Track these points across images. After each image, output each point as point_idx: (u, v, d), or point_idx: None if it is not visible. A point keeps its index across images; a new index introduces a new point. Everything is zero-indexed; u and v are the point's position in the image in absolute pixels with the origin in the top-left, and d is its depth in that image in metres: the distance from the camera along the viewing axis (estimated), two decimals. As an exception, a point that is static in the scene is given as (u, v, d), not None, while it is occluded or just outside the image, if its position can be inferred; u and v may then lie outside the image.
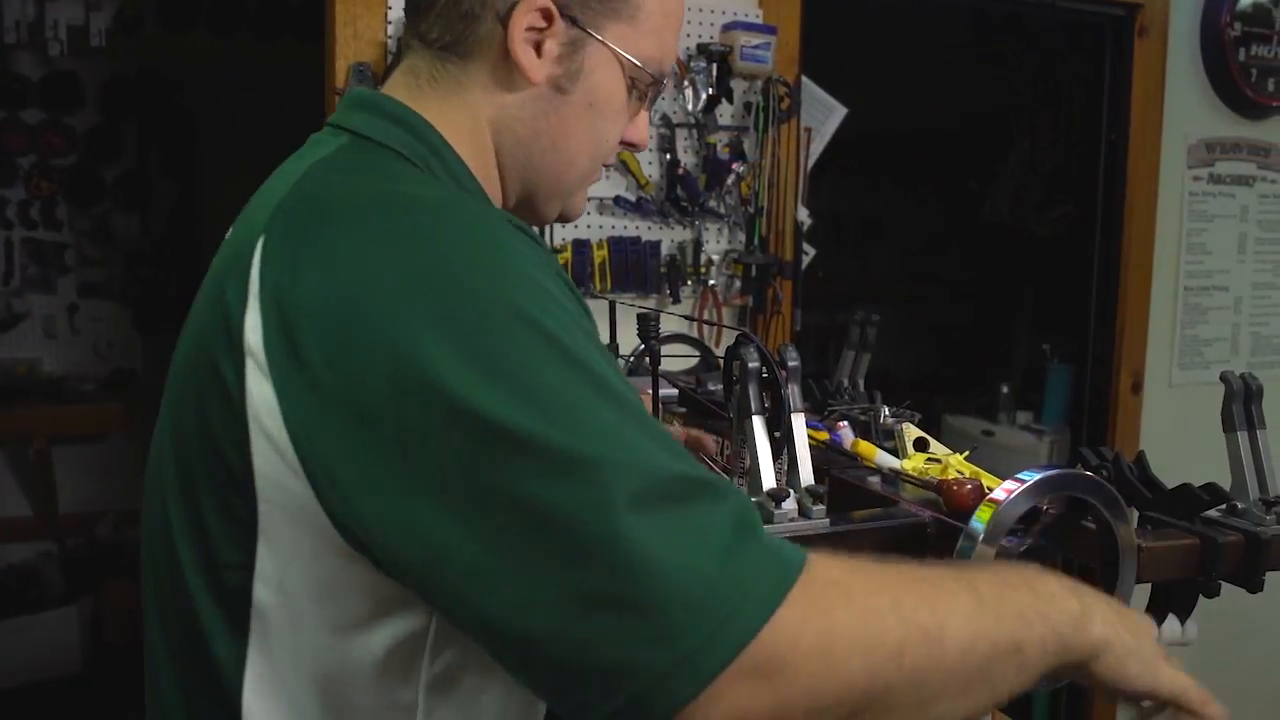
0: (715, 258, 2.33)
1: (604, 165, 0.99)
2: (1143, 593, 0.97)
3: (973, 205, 3.83)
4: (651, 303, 2.29)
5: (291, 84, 3.11)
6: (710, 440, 1.28)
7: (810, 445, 1.03)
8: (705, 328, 2.34)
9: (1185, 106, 2.88)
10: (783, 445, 1.00)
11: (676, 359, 2.30)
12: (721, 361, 1.05)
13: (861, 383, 1.45)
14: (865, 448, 1.14)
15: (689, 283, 2.31)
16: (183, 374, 0.83)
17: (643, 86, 0.94)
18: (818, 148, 2.43)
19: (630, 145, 0.98)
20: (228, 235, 0.89)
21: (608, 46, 0.89)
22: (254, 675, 0.78)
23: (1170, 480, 0.99)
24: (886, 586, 0.68)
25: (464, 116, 0.89)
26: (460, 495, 0.66)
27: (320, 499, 0.70)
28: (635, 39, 0.91)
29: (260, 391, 0.72)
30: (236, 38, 4.18)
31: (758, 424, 0.98)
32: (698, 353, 2.35)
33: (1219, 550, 0.92)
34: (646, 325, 1.17)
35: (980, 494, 0.94)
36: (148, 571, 0.87)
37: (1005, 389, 3.46)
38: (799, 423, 1.00)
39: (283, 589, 0.76)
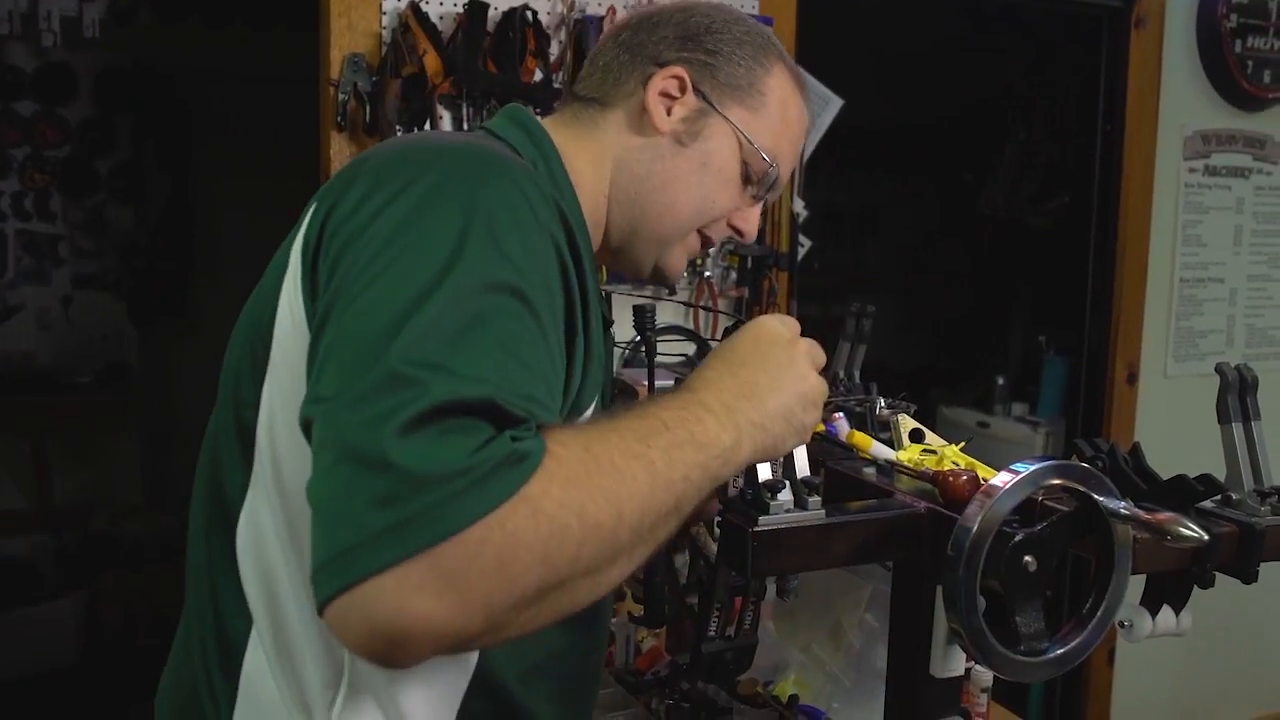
0: (711, 249, 2.32)
1: (708, 244, 1.12)
2: (1138, 584, 0.97)
3: (969, 197, 3.83)
4: (648, 294, 2.28)
5: (286, 75, 3.11)
6: None
7: (806, 436, 1.03)
8: (701, 319, 2.34)
9: (1181, 98, 2.88)
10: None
11: (674, 345, 2.30)
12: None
13: (857, 374, 1.45)
14: (861, 439, 1.14)
15: (685, 274, 2.31)
16: (256, 297, 0.96)
17: (754, 171, 1.08)
18: (814, 139, 2.42)
19: (737, 232, 1.12)
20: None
21: (728, 122, 1.06)
22: (248, 506, 0.90)
23: (1165, 471, 0.99)
24: (578, 487, 0.71)
25: (593, 146, 1.06)
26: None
27: (308, 322, 0.83)
28: (755, 127, 1.07)
29: (292, 269, 0.87)
30: (230, 29, 4.16)
31: (753, 415, 0.97)
32: (694, 344, 2.35)
33: (1214, 541, 0.91)
34: (643, 317, 1.17)
35: (976, 485, 0.94)
36: (205, 444, 0.99)
37: (1001, 380, 3.46)
38: (794, 414, 1.00)
39: (274, 428, 0.88)
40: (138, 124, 4.31)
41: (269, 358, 0.88)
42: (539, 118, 1.07)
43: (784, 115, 1.08)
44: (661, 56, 1.06)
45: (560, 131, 1.05)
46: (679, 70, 1.05)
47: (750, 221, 1.12)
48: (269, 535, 0.89)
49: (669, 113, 1.05)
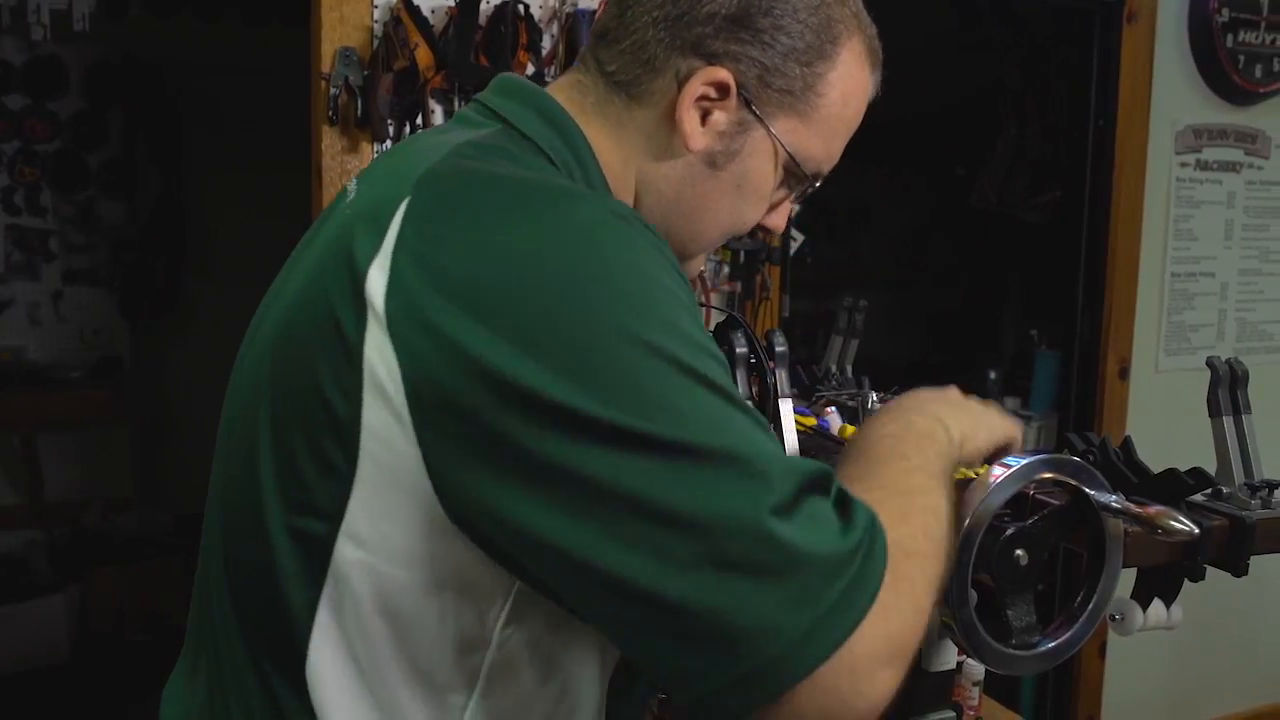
0: (703, 244, 2.32)
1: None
2: (1129, 577, 0.97)
3: (961, 191, 3.83)
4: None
5: (277, 69, 3.10)
6: None
7: (798, 430, 1.03)
8: (693, 314, 2.34)
9: (1173, 93, 2.89)
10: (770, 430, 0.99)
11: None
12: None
13: (850, 368, 1.46)
14: (853, 433, 1.14)
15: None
16: (291, 317, 0.82)
17: (793, 181, 0.94)
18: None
19: (765, 230, 0.99)
20: (352, 189, 0.89)
21: (772, 136, 0.89)
22: (321, 624, 0.78)
23: (1157, 465, 0.99)
24: (909, 522, 0.75)
25: (616, 154, 0.90)
26: (600, 514, 0.67)
27: (429, 469, 0.72)
28: (803, 135, 0.91)
29: (379, 345, 0.72)
30: (222, 22, 4.15)
31: (745, 409, 0.97)
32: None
33: (1205, 535, 0.92)
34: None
35: None
36: (216, 513, 0.88)
37: (993, 375, 3.46)
38: (786, 408, 1.00)
39: (366, 546, 0.76)
40: (128, 118, 4.29)
41: (355, 468, 0.75)
42: (556, 84, 0.93)
43: (843, 111, 0.92)
44: (705, 45, 0.86)
45: (586, 124, 0.89)
46: (724, 75, 0.86)
47: (781, 218, 0.99)
48: (370, 663, 0.79)
49: (705, 120, 0.88)
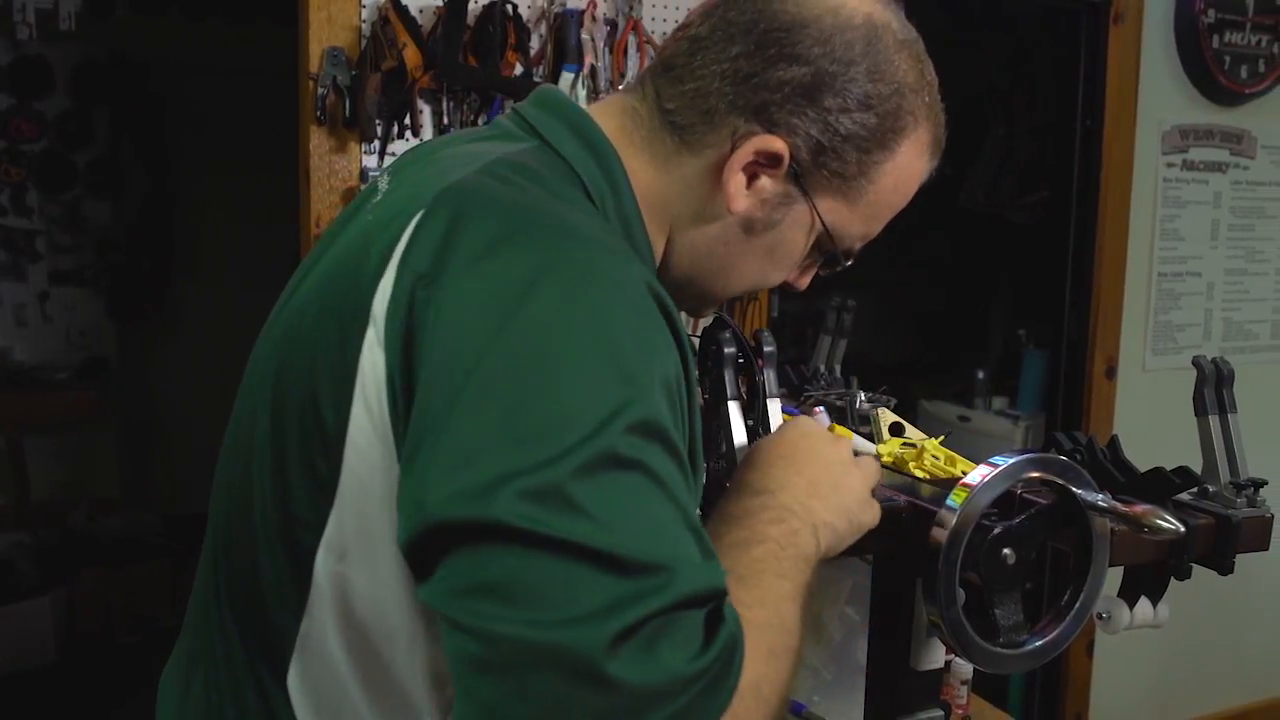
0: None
1: None
2: (1116, 576, 0.98)
3: (949, 191, 3.84)
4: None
5: (264, 68, 3.09)
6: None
7: (786, 431, 1.03)
8: (682, 314, 2.33)
9: (1159, 93, 2.90)
10: (758, 430, 1.00)
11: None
12: (699, 345, 1.05)
13: (838, 368, 1.46)
14: (841, 432, 1.15)
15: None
16: (300, 320, 0.82)
17: (825, 253, 0.93)
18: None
19: (788, 287, 0.97)
20: (382, 187, 0.88)
21: (814, 213, 0.87)
22: (303, 635, 0.78)
23: (1144, 464, 0.99)
24: (774, 662, 0.72)
25: (656, 191, 0.87)
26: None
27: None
28: (846, 217, 0.89)
29: (373, 359, 0.72)
30: (209, 22, 4.14)
31: (733, 409, 0.98)
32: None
33: (1190, 533, 0.92)
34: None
35: None
36: (219, 515, 0.88)
37: (981, 374, 3.47)
38: (775, 408, 1.00)
39: (344, 560, 0.76)
40: (115, 117, 4.27)
41: (338, 481, 0.75)
42: (605, 104, 0.91)
43: (891, 198, 0.91)
44: (768, 111, 0.83)
45: (631, 155, 0.86)
46: (779, 146, 0.83)
47: (806, 279, 0.97)
48: (344, 678, 0.79)
49: (750, 184, 0.85)
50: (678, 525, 0.67)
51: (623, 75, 2.19)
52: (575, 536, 0.62)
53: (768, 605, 0.74)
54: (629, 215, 0.85)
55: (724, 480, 0.97)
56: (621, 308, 0.71)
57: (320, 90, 1.90)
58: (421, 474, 0.66)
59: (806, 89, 0.83)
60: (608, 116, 0.88)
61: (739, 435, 0.97)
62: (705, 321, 2.32)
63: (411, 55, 1.91)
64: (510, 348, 0.67)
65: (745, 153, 0.84)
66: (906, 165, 0.89)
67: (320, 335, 0.77)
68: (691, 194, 0.87)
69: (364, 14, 1.94)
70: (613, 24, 2.17)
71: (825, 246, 0.91)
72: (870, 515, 0.90)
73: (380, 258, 0.74)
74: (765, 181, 0.85)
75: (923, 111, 0.88)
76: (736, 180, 0.85)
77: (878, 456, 1.09)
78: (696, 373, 1.01)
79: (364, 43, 1.93)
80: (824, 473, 0.88)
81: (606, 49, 2.16)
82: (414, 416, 0.69)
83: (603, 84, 2.18)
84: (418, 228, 0.74)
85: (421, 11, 1.96)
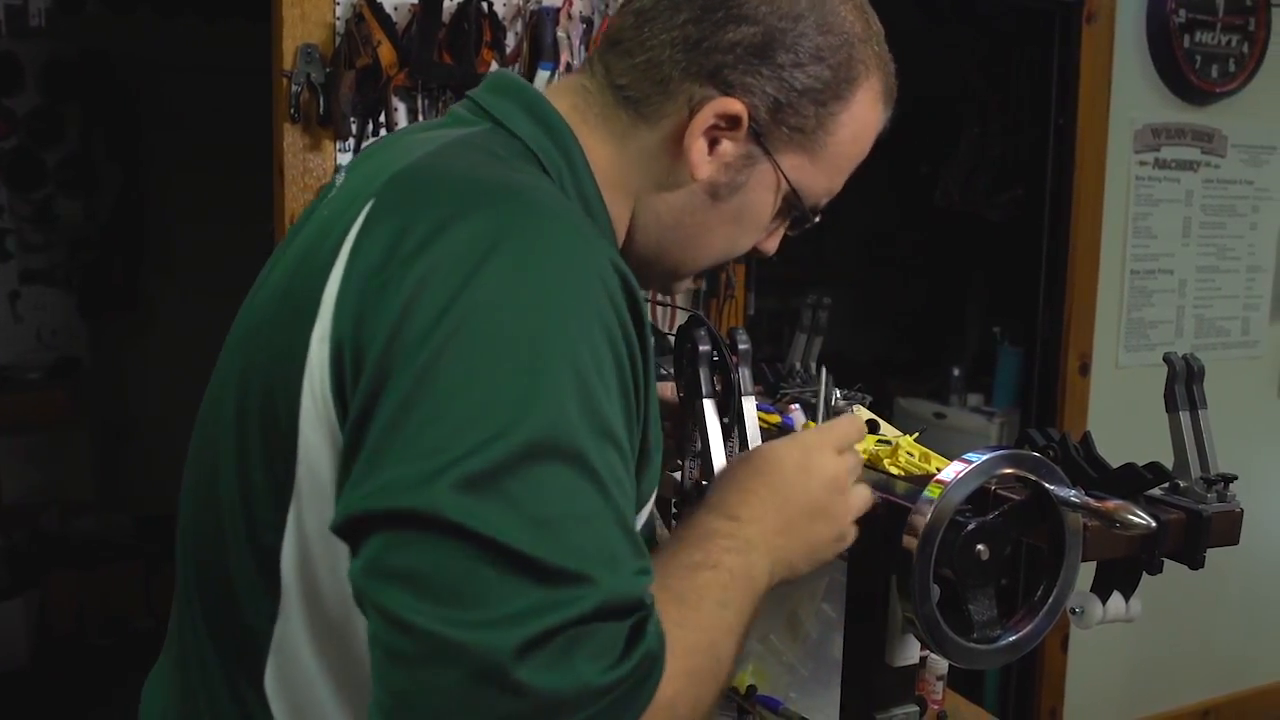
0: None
1: None
2: (1088, 571, 0.99)
3: (925, 189, 3.86)
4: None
5: (238, 65, 3.06)
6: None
7: (762, 428, 1.03)
8: (658, 311, 2.34)
9: (1132, 92, 2.92)
10: (733, 428, 1.00)
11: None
12: (673, 342, 1.05)
13: (814, 365, 1.46)
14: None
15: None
16: (260, 317, 0.81)
17: (792, 212, 0.92)
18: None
19: (756, 251, 0.97)
20: (338, 181, 0.87)
21: (778, 171, 0.87)
22: (278, 635, 0.78)
23: (1117, 460, 1.00)
24: (698, 684, 0.71)
25: (618, 170, 0.87)
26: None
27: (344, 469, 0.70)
28: (809, 172, 0.89)
29: (320, 353, 0.71)
30: (181, 18, 4.10)
31: (708, 406, 0.98)
32: (652, 337, 2.34)
33: (1162, 528, 0.93)
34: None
35: None
36: (187, 518, 0.87)
37: (957, 371, 3.49)
38: (750, 405, 1.00)
39: (309, 557, 0.75)
40: (86, 115, 4.23)
41: (294, 481, 0.74)
42: (557, 86, 0.90)
43: (852, 149, 0.91)
44: (723, 75, 0.83)
45: (587, 133, 0.86)
46: (737, 107, 0.83)
47: (774, 242, 0.96)
48: (320, 678, 0.78)
49: (712, 149, 0.85)
50: (609, 525, 0.66)
51: (598, 73, 2.19)
52: (503, 537, 0.61)
53: (701, 630, 0.73)
54: (587, 192, 0.85)
55: (699, 478, 0.97)
56: (574, 285, 0.70)
57: (294, 88, 1.89)
58: (365, 460, 0.66)
59: (758, 48, 0.83)
60: (560, 97, 0.88)
61: (714, 432, 0.97)
62: (681, 319, 2.32)
63: (386, 52, 1.91)
64: (454, 330, 0.66)
65: (704, 118, 0.83)
66: (863, 115, 0.90)
67: (278, 334, 0.76)
68: (653, 166, 0.86)
69: (338, 11, 1.93)
70: (589, 21, 2.16)
71: (792, 204, 0.91)
72: (835, 550, 0.89)
73: (331, 250, 0.74)
74: (727, 145, 0.85)
75: (873, 61, 0.89)
76: (698, 147, 0.84)
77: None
78: (674, 366, 1.01)
79: (338, 40, 1.92)
80: (802, 513, 0.86)
81: (582, 46, 2.15)
82: (355, 399, 0.68)
83: (578, 82, 2.18)
84: (367, 218, 0.74)
85: (396, 8, 1.95)
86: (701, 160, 0.85)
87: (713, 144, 0.85)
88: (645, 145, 0.86)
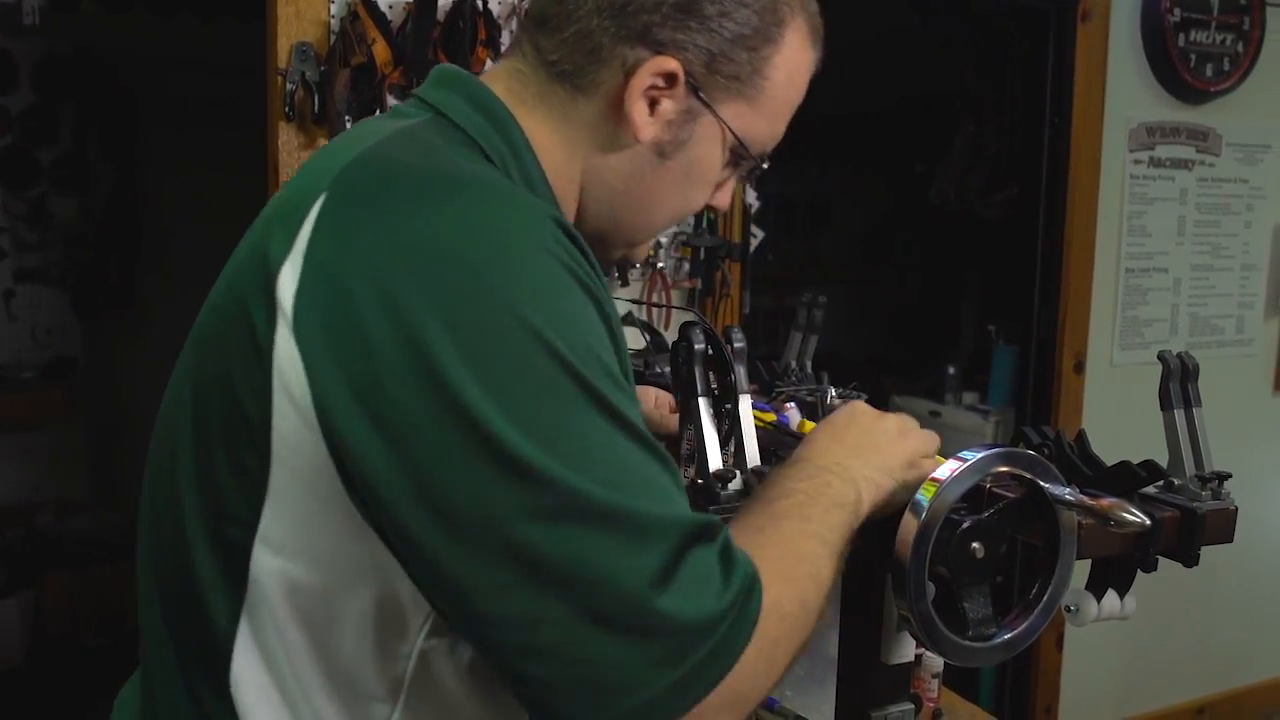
0: (664, 240, 2.33)
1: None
2: (1083, 568, 0.99)
3: (920, 188, 3.86)
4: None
5: (233, 64, 3.06)
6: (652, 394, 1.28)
7: (757, 426, 1.03)
8: (654, 311, 2.34)
9: (1126, 91, 2.93)
10: (729, 426, 1.00)
11: (627, 339, 2.30)
12: (673, 343, 1.05)
13: (809, 364, 1.46)
14: (812, 428, 1.15)
15: (637, 265, 2.31)
16: (212, 316, 0.82)
17: (740, 162, 0.94)
18: (766, 130, 2.43)
19: (711, 209, 0.99)
20: (284, 185, 0.88)
21: (721, 122, 0.88)
22: (243, 633, 0.78)
23: (1112, 458, 1.00)
24: (794, 584, 0.79)
25: (562, 146, 0.88)
26: (476, 528, 0.68)
27: (338, 469, 0.71)
28: (750, 119, 0.90)
29: (287, 349, 0.71)
30: (176, 17, 4.09)
31: (704, 405, 0.98)
32: (647, 335, 2.35)
33: (1156, 526, 0.93)
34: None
35: None
36: (146, 518, 0.87)
37: (952, 370, 3.50)
38: (745, 404, 1.00)
39: (283, 553, 0.75)
40: (81, 113, 4.22)
41: (269, 474, 0.74)
42: (491, 73, 0.91)
43: (788, 92, 0.92)
44: (653, 34, 0.84)
45: (525, 115, 0.87)
46: (672, 64, 0.84)
47: (726, 196, 0.98)
48: (291, 672, 0.78)
49: (652, 110, 0.86)
50: (652, 466, 0.73)
51: (594, 72, 2.19)
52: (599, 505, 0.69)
53: (781, 544, 0.80)
54: (532, 176, 0.86)
55: (695, 476, 0.97)
56: (534, 261, 0.72)
57: (289, 86, 1.89)
58: (433, 553, 0.70)
59: (683, 4, 0.84)
60: (495, 82, 0.89)
61: (709, 431, 0.97)
62: (676, 317, 2.33)
63: (381, 51, 1.90)
64: (444, 357, 0.67)
65: (641, 79, 0.85)
66: (794, 56, 0.91)
67: (231, 330, 0.76)
68: (597, 136, 0.87)
69: (333, 9, 1.93)
70: (584, 20, 2.16)
71: (739, 154, 0.92)
72: (915, 474, 0.93)
73: (283, 247, 0.74)
74: (667, 104, 0.86)
75: (795, 2, 0.91)
76: (639, 109, 0.85)
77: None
78: (670, 365, 1.01)
79: (333, 38, 1.92)
80: (866, 438, 0.94)
81: (577, 45, 2.15)
82: (366, 456, 0.69)
83: (574, 80, 2.18)
84: (319, 213, 0.74)
85: (391, 7, 1.95)
86: (644, 122, 0.86)
87: (653, 104, 0.86)
88: (586, 116, 0.87)
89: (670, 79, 0.85)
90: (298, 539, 0.75)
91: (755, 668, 0.73)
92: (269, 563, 0.76)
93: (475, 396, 0.67)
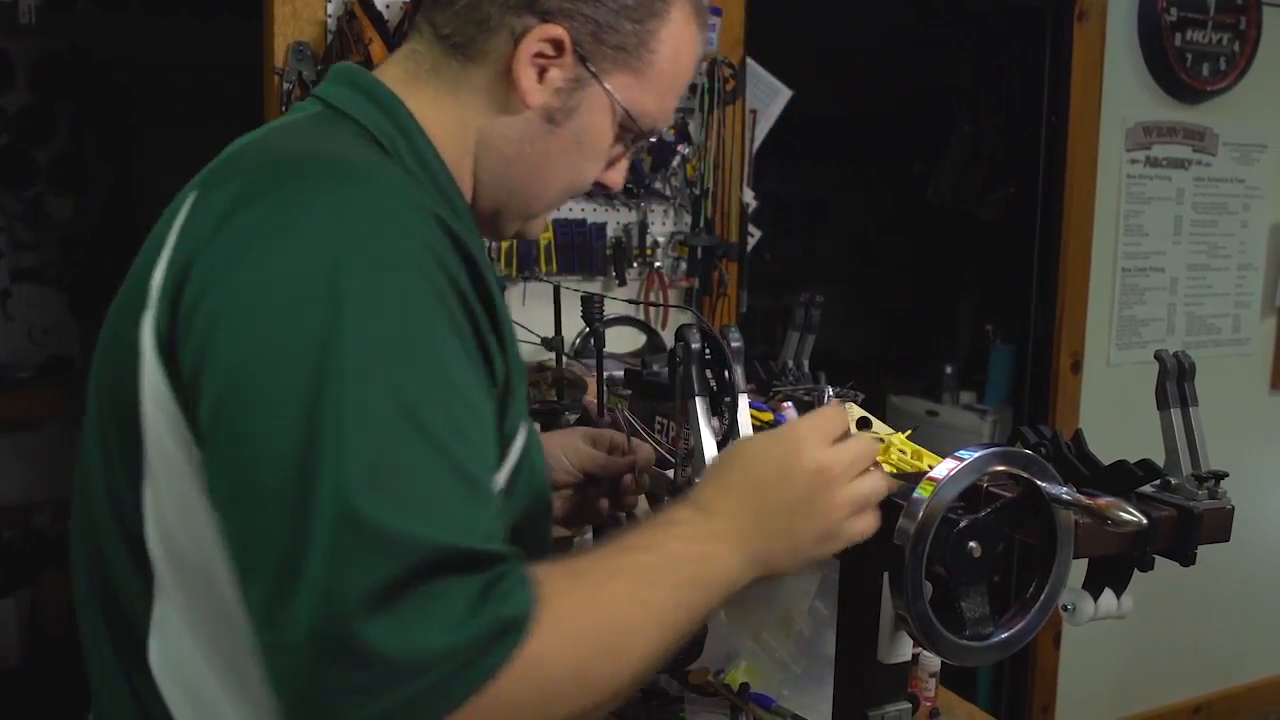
0: (661, 240, 2.33)
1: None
2: (1080, 568, 0.99)
3: (917, 188, 3.86)
4: (597, 285, 2.28)
5: (230, 64, 3.05)
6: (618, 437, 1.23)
7: (755, 426, 1.03)
8: (652, 310, 2.34)
9: (1123, 90, 2.93)
10: (727, 426, 1.00)
11: (625, 339, 2.30)
12: (670, 343, 1.05)
13: (806, 363, 1.46)
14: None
15: (635, 265, 2.31)
16: (111, 313, 0.85)
17: (629, 137, 0.96)
18: (763, 130, 2.43)
19: (603, 187, 1.00)
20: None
21: (608, 92, 0.91)
22: (156, 617, 0.80)
23: (1109, 457, 1.00)
24: (580, 647, 0.71)
25: (453, 116, 0.90)
26: (257, 493, 0.67)
27: (197, 445, 0.73)
28: (638, 92, 0.92)
29: (150, 337, 0.75)
30: (173, 16, 4.09)
31: (700, 405, 0.98)
32: (645, 335, 2.35)
33: (1153, 525, 0.93)
34: (590, 308, 1.16)
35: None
36: (75, 517, 0.88)
37: (949, 369, 3.50)
38: (743, 403, 1.00)
39: (170, 533, 0.77)
40: (77, 112, 4.21)
41: (144, 462, 0.77)
42: (389, 61, 0.94)
43: (674, 68, 0.94)
44: (540, 3, 0.87)
45: (417, 92, 0.90)
46: (559, 32, 0.87)
47: (619, 174, 1.00)
48: (198, 660, 0.79)
49: (541, 78, 0.88)
50: (442, 478, 0.68)
51: (591, 71, 2.18)
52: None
53: (600, 601, 0.73)
54: (424, 155, 0.88)
55: (692, 476, 0.97)
56: (378, 242, 0.72)
57: (285, 85, 1.89)
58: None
59: None
60: (391, 68, 0.93)
61: (706, 431, 0.97)
62: (674, 316, 2.33)
63: (378, 51, 1.90)
64: (250, 312, 0.69)
65: (528, 46, 0.87)
66: (680, 31, 0.93)
67: (121, 323, 0.80)
68: (489, 102, 0.90)
69: (330, 9, 1.93)
70: (581, 20, 2.16)
71: (629, 128, 0.94)
72: (826, 548, 0.87)
73: (158, 243, 0.78)
74: (554, 71, 0.89)
75: None
76: (527, 75, 0.88)
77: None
78: (667, 365, 1.00)
79: (330, 37, 1.92)
80: (782, 510, 0.84)
81: (575, 45, 2.15)
82: (195, 397, 0.71)
83: (571, 80, 2.17)
84: (190, 207, 0.78)
85: (388, 6, 1.95)
86: (532, 87, 0.88)
87: (542, 72, 0.89)
88: (478, 84, 0.90)
89: (558, 46, 0.88)
90: (181, 518, 0.76)
91: (518, 705, 0.66)
92: (161, 545, 0.78)
93: (287, 370, 0.67)
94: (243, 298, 0.70)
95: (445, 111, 0.90)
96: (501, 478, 0.82)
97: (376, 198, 0.75)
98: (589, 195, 2.22)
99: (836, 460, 0.85)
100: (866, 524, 0.87)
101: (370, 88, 0.89)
